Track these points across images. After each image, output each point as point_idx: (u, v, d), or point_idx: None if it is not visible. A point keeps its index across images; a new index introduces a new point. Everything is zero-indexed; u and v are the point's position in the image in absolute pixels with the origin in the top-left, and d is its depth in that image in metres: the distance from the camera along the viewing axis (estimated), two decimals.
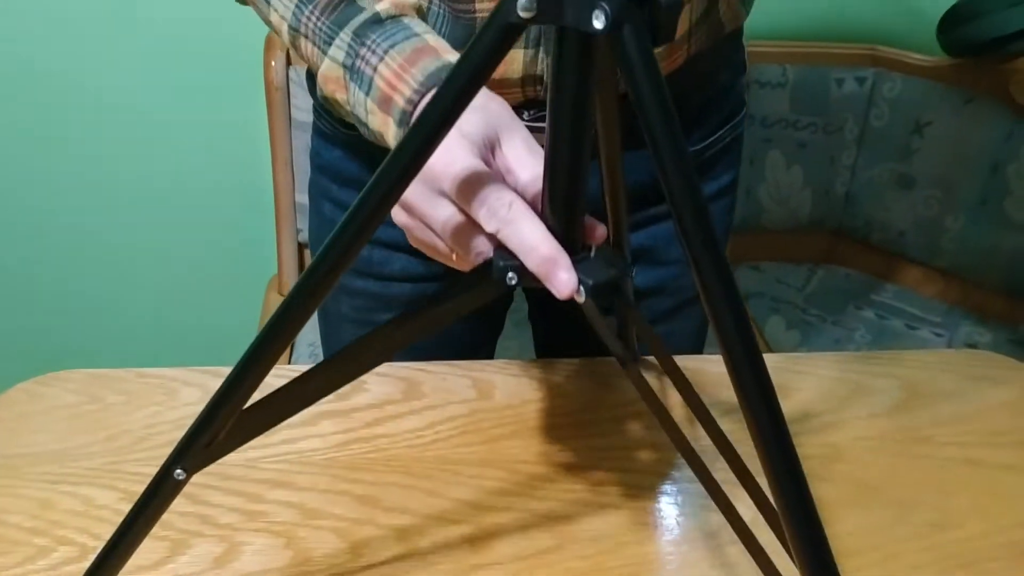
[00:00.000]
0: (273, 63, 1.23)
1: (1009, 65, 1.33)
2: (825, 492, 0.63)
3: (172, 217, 1.48)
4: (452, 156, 0.46)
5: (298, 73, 1.24)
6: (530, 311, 0.93)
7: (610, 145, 0.45)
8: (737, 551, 0.56)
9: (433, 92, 0.41)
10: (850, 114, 1.44)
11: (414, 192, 0.47)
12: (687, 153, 0.34)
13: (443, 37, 0.58)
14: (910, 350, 0.83)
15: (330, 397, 0.70)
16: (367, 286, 0.79)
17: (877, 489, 0.64)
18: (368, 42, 0.53)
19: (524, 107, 0.65)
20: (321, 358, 1.09)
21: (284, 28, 0.59)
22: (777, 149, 1.45)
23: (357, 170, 0.75)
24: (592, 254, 0.45)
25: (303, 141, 1.28)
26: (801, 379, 0.74)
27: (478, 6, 0.60)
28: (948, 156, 1.40)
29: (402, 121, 0.53)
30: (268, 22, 0.61)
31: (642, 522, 0.59)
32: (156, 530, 0.56)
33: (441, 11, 0.61)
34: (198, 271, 1.53)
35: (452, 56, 0.53)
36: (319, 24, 0.56)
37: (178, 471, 0.45)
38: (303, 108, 1.26)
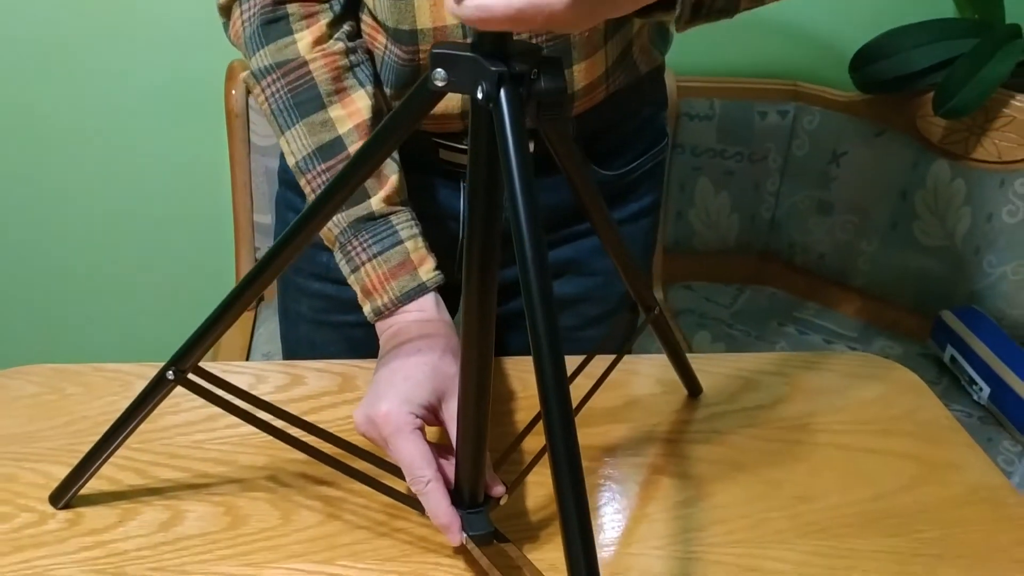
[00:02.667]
0: (233, 92, 1.31)
1: (915, 101, 1.44)
2: (705, 470, 0.72)
3: (134, 236, 1.54)
4: (393, 423, 0.58)
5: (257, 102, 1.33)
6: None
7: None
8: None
9: (362, 148, 0.51)
10: (773, 144, 1.54)
11: (363, 426, 0.60)
12: (536, 201, 0.43)
13: (388, 82, 0.69)
14: (800, 352, 0.92)
15: (269, 388, 0.78)
16: (324, 289, 0.86)
17: (751, 468, 0.72)
18: (361, 238, 0.68)
19: (463, 134, 0.75)
20: (276, 360, 1.17)
21: (290, 159, 0.71)
22: (706, 177, 1.55)
23: None
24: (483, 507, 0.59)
25: (261, 164, 1.36)
26: (700, 376, 0.83)
27: (420, 55, 0.70)
28: (862, 184, 1.51)
29: (373, 313, 0.68)
30: (276, 132, 0.72)
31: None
32: (108, 500, 0.64)
33: (388, 59, 0.71)
34: (160, 286, 1.59)
35: (424, 272, 0.68)
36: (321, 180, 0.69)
37: (169, 373, 0.55)
38: (261, 134, 1.34)
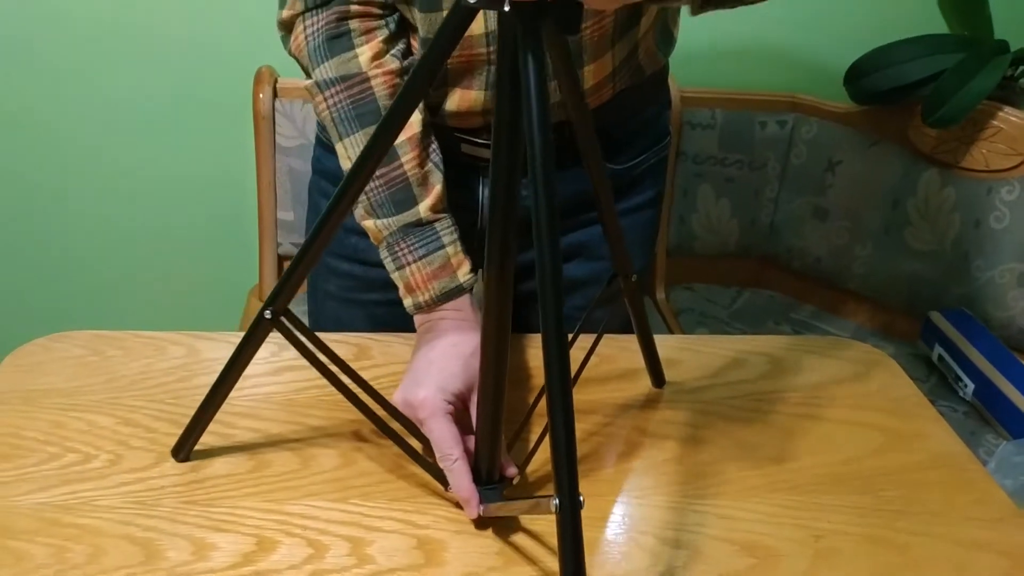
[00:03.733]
0: (261, 95, 1.39)
1: (906, 112, 1.50)
2: (687, 433, 0.78)
3: (164, 229, 1.62)
4: (429, 407, 0.66)
5: (283, 104, 1.41)
6: None
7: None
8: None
9: (415, 67, 0.57)
10: (772, 153, 1.61)
11: (401, 407, 0.69)
12: (547, 106, 0.49)
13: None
14: (782, 336, 0.99)
15: (292, 353, 0.85)
16: (352, 269, 0.94)
17: (730, 433, 0.79)
18: (408, 241, 0.76)
19: (485, 130, 0.83)
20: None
21: (345, 163, 0.79)
22: (708, 183, 1.62)
23: None
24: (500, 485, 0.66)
25: (285, 164, 1.43)
26: (689, 355, 0.89)
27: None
28: (857, 191, 1.57)
29: (413, 307, 0.76)
30: (332, 141, 0.80)
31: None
32: (145, 444, 0.71)
33: None
34: (186, 278, 1.67)
35: (461, 274, 0.76)
36: (379, 195, 0.77)
37: (267, 312, 0.62)
38: (287, 135, 1.42)
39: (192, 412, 0.75)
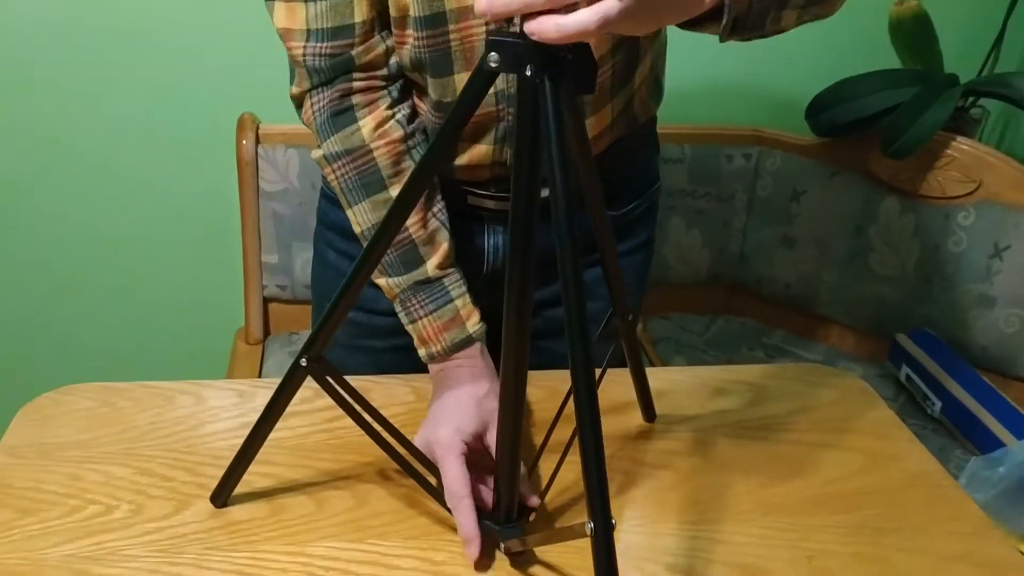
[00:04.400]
0: (244, 141, 1.42)
1: (866, 143, 1.58)
2: (682, 462, 0.82)
3: (150, 275, 1.63)
4: (445, 445, 0.70)
5: (265, 150, 1.44)
6: None
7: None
8: None
9: (438, 132, 0.60)
10: (739, 185, 1.67)
11: (421, 447, 0.73)
12: (569, 158, 0.53)
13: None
14: (763, 365, 1.04)
15: (296, 400, 0.88)
16: (356, 317, 0.97)
17: (721, 461, 0.83)
18: (419, 297, 0.81)
19: (492, 183, 0.88)
20: None
21: (356, 227, 0.84)
22: (679, 215, 1.68)
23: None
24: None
25: (269, 208, 1.46)
26: (676, 384, 0.94)
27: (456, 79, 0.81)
28: (821, 220, 1.64)
29: (427, 357, 0.81)
30: (344, 204, 0.84)
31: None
32: (164, 493, 0.73)
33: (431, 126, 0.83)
34: (173, 322, 1.68)
35: (471, 325, 0.80)
36: (389, 256, 0.81)
37: (303, 361, 0.66)
38: (270, 180, 1.45)
39: (206, 459, 0.78)
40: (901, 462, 0.85)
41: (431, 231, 0.81)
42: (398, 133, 0.81)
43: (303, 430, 0.83)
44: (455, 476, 0.69)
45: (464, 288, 0.82)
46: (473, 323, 0.81)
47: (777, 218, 1.68)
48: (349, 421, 0.84)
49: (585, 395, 0.52)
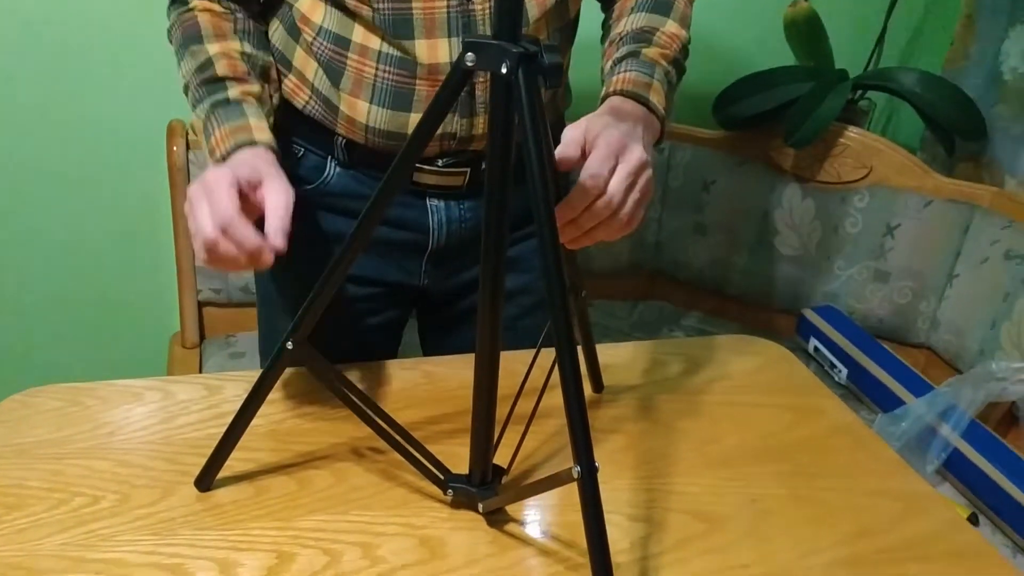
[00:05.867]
0: (175, 148, 1.43)
1: (768, 135, 1.70)
2: (631, 426, 0.89)
3: (82, 283, 1.61)
4: (214, 177, 0.72)
5: (197, 156, 1.45)
6: (420, 327, 1.16)
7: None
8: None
9: (416, 126, 0.65)
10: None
11: (195, 193, 0.73)
12: (549, 147, 0.59)
13: (383, 103, 0.86)
14: (691, 338, 1.12)
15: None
16: None
17: (667, 424, 0.90)
18: (216, 115, 0.82)
19: (439, 156, 0.91)
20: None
21: (181, 81, 0.88)
22: None
23: (299, 216, 0.97)
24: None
25: None
26: (617, 359, 1.01)
27: (417, 84, 0.86)
28: (730, 207, 1.75)
29: (214, 163, 0.80)
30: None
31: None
32: (148, 482, 0.76)
33: (386, 84, 0.87)
34: (108, 329, 1.66)
35: (258, 133, 0.81)
36: (196, 91, 0.85)
37: (288, 344, 0.69)
38: None
39: (183, 449, 0.80)
40: (824, 416, 0.94)
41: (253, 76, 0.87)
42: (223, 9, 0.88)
43: (276, 417, 0.86)
44: (223, 197, 0.70)
45: (262, 118, 0.83)
46: (261, 132, 0.82)
47: (689, 207, 1.78)
48: (320, 407, 0.88)
49: (566, 345, 0.58)
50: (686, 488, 0.81)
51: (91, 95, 1.48)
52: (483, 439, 0.72)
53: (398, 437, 0.75)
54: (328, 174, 0.94)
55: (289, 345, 0.70)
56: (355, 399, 0.74)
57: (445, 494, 0.74)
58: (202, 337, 1.54)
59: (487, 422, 0.71)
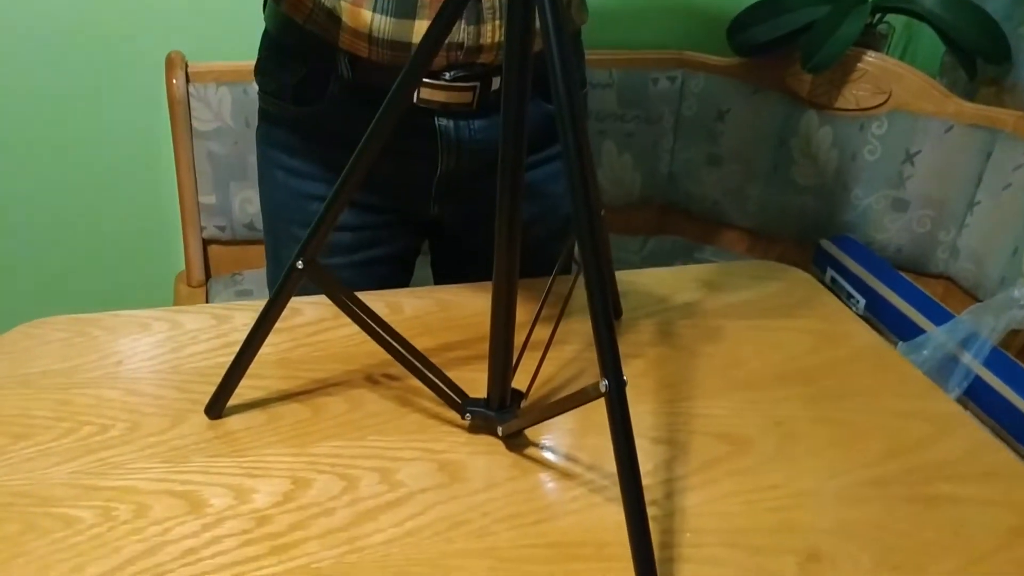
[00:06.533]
0: (175, 80, 1.39)
1: (784, 61, 1.65)
2: (650, 351, 0.87)
3: (84, 222, 1.58)
4: None
5: (196, 89, 1.41)
6: (433, 260, 1.13)
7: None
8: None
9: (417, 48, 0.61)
10: (666, 107, 1.72)
11: None
12: (569, 53, 0.55)
13: (387, 11, 0.82)
14: (709, 264, 1.09)
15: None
16: None
17: (688, 348, 0.88)
18: None
19: (446, 69, 0.87)
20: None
21: None
22: (610, 139, 1.72)
23: (300, 141, 0.94)
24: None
25: (204, 148, 1.44)
26: (634, 286, 0.98)
27: None
28: (745, 136, 1.71)
29: None
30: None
31: None
32: (158, 411, 0.74)
33: None
34: (111, 270, 1.64)
35: None
36: None
37: (299, 263, 0.66)
38: (203, 120, 1.42)
39: (193, 377, 0.78)
40: (849, 339, 0.92)
41: None
42: None
43: (285, 346, 0.84)
44: None
45: None
46: None
47: (703, 137, 1.74)
48: (330, 334, 0.86)
49: (590, 248, 0.55)
50: (709, 411, 0.79)
51: (88, 26, 1.43)
52: (501, 360, 0.69)
53: (414, 360, 0.73)
54: (332, 94, 0.90)
55: (299, 265, 0.67)
56: (368, 320, 0.71)
57: (463, 418, 0.72)
58: (208, 276, 1.52)
59: (505, 342, 0.69)
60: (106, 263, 1.63)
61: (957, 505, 0.70)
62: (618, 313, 0.92)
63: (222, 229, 1.49)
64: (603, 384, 0.56)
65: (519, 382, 0.74)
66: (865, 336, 0.93)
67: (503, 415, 0.71)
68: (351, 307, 0.71)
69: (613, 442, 0.57)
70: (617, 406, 0.56)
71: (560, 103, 0.55)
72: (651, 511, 0.66)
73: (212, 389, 0.76)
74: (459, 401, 0.72)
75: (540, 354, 0.75)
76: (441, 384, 0.73)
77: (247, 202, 1.47)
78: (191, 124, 1.41)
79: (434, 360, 0.75)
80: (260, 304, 0.91)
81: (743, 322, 0.93)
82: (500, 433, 0.71)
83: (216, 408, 0.73)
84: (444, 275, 1.12)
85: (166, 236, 1.55)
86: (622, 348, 0.87)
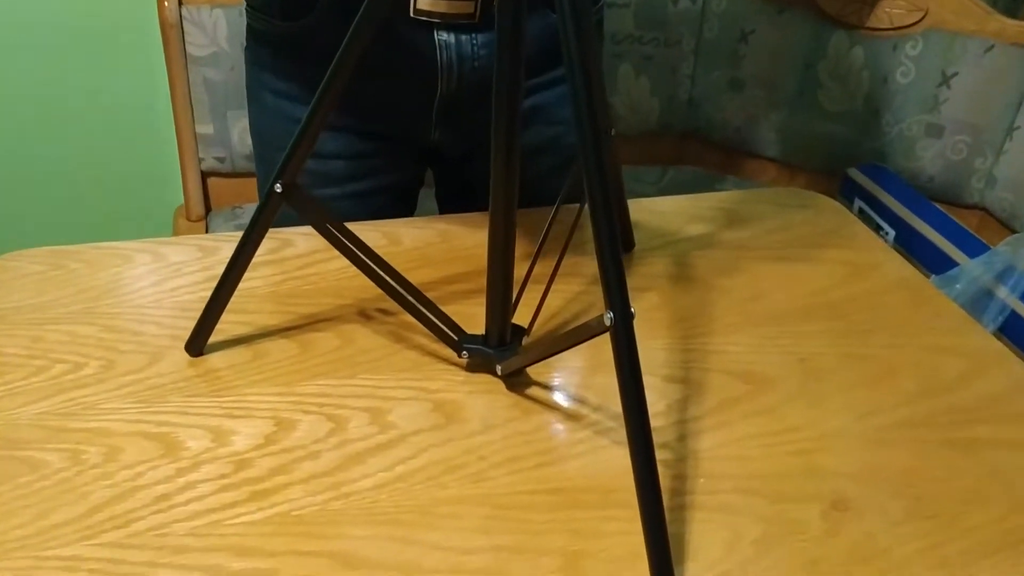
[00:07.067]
0: (166, 3, 1.31)
1: None
2: (664, 284, 0.81)
3: (78, 156, 1.53)
4: None
5: (190, 12, 1.33)
6: (437, 190, 1.07)
7: None
8: None
9: None
10: (686, 29, 1.63)
11: None
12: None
13: None
14: (734, 191, 1.03)
15: (262, 251, 0.83)
16: (308, 165, 0.91)
17: (704, 281, 0.82)
18: None
19: None
20: None
21: None
22: (627, 63, 1.63)
23: (290, 62, 0.88)
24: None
25: (199, 74, 1.37)
26: (649, 215, 0.92)
27: None
28: (769, 59, 1.61)
29: None
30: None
31: None
32: (135, 348, 0.69)
33: None
34: (108, 205, 1.59)
35: None
36: None
37: (277, 187, 0.61)
38: (198, 44, 1.35)
39: (174, 312, 0.74)
40: (881, 270, 0.85)
41: None
42: None
43: (275, 279, 0.79)
44: None
45: None
46: None
47: (725, 61, 1.65)
48: (323, 267, 0.81)
49: (594, 163, 0.49)
50: (727, 347, 0.73)
51: None
52: (500, 293, 0.64)
53: (406, 294, 0.67)
54: (320, 8, 0.83)
55: (278, 188, 0.61)
56: (355, 250, 0.66)
57: (460, 356, 0.67)
58: (208, 209, 1.47)
59: (504, 273, 0.63)
60: (102, 198, 1.58)
61: (996, 449, 0.64)
62: (630, 245, 0.86)
63: (221, 160, 1.44)
64: (608, 317, 0.50)
65: (521, 318, 0.68)
66: (897, 267, 0.86)
67: (502, 353, 0.66)
68: (337, 236, 0.65)
69: (619, 380, 0.51)
70: (623, 341, 0.50)
71: (564, 14, 0.49)
72: (662, 455, 0.61)
73: (192, 324, 0.72)
74: (455, 338, 0.67)
75: (543, 288, 0.70)
76: (436, 320, 0.67)
77: (247, 132, 1.40)
78: (185, 49, 1.34)
79: (433, 295, 0.69)
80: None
81: (766, 252, 0.87)
82: (499, 372, 0.66)
83: (196, 344, 0.68)
84: (449, 207, 1.06)
85: (164, 169, 1.49)
86: (633, 281, 0.81)
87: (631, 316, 0.50)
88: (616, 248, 0.50)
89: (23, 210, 1.57)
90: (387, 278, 0.67)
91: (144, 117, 1.50)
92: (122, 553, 0.52)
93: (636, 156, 1.73)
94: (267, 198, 0.62)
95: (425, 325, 0.67)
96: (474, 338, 0.67)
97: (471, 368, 0.68)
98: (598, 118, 0.49)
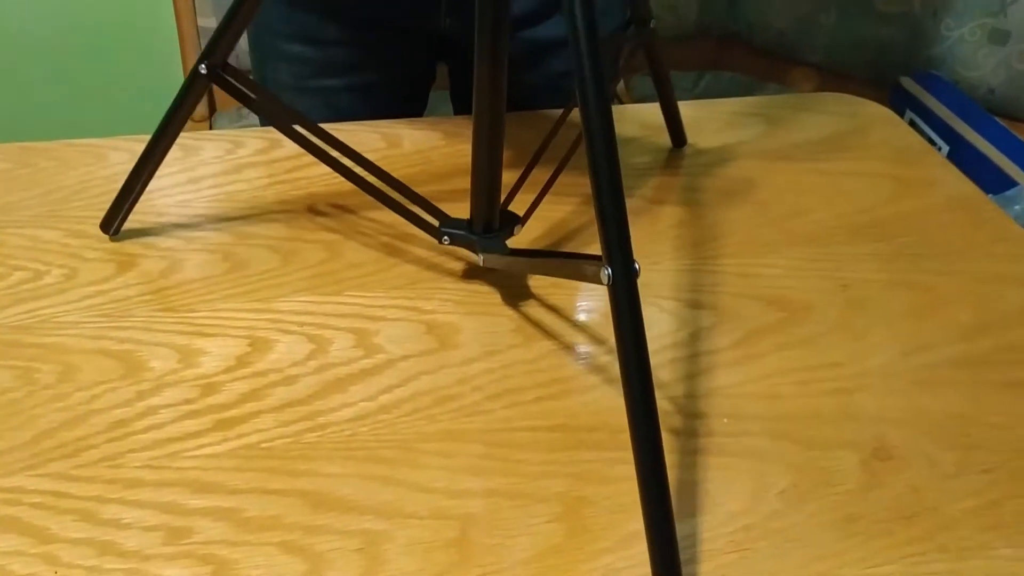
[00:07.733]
0: None
1: None
2: (695, 197, 0.73)
3: (77, 51, 1.46)
4: None
5: None
6: (451, 88, 0.98)
7: None
8: None
9: None
10: None
11: None
12: None
13: None
14: (776, 96, 0.93)
15: (250, 151, 0.76)
16: (304, 52, 0.83)
17: (740, 194, 0.74)
18: None
19: None
20: None
21: None
22: None
23: None
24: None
25: None
26: (693, 121, 0.82)
27: None
28: None
29: None
30: None
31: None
32: (101, 255, 0.63)
33: None
34: (107, 101, 1.53)
35: None
36: None
37: (201, 67, 0.55)
38: None
39: (149, 217, 0.67)
40: (936, 187, 0.76)
41: None
42: None
43: (260, 182, 0.71)
44: None
45: None
46: None
47: None
48: (312, 170, 0.73)
49: (594, 97, 0.40)
50: (760, 270, 0.65)
51: None
52: (486, 169, 0.55)
53: (377, 181, 0.59)
54: None
55: (202, 69, 0.53)
56: (301, 130, 0.58)
57: (441, 243, 0.59)
58: (212, 109, 1.39)
59: (491, 145, 0.53)
60: (104, 97, 1.51)
61: None
62: (681, 141, 0.78)
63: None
64: (605, 273, 0.42)
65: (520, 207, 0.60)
66: (954, 184, 0.77)
67: (488, 241, 0.58)
68: (284, 123, 0.57)
69: (617, 346, 0.43)
70: (625, 302, 0.41)
71: None
72: (679, 390, 0.55)
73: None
74: (435, 224, 0.59)
75: (547, 179, 0.61)
76: (413, 206, 0.59)
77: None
78: None
79: (434, 200, 0.61)
80: (232, 134, 0.78)
81: (808, 164, 0.78)
82: (481, 262, 0.58)
83: (112, 226, 0.62)
84: (464, 108, 0.98)
85: (166, 66, 1.41)
86: (655, 191, 0.73)
87: (635, 273, 0.41)
88: (617, 189, 0.40)
89: (23, 106, 1.51)
90: (354, 167, 0.59)
91: (144, 8, 1.41)
92: (68, 486, 0.47)
93: (670, 61, 1.60)
94: (190, 79, 0.54)
95: (401, 214, 0.59)
96: (457, 223, 0.59)
97: (454, 242, 0.59)
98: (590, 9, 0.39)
